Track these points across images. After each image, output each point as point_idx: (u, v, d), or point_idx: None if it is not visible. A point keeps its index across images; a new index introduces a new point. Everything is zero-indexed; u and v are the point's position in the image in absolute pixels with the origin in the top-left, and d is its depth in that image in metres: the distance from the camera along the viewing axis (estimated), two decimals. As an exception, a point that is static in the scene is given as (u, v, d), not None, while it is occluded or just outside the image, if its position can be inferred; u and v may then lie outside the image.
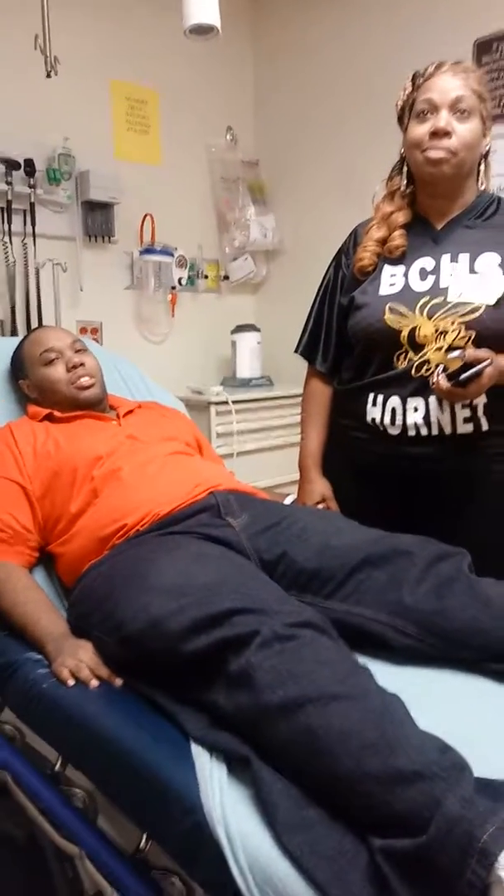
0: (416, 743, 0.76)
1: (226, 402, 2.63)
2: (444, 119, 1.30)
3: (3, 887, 1.43)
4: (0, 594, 1.26)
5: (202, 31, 1.65)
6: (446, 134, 1.30)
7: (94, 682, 1.05)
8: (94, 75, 2.67)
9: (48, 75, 2.22)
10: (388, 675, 0.92)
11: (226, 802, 0.79)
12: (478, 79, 1.34)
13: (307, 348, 1.60)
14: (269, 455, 2.75)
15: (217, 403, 2.62)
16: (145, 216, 2.82)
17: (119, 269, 2.83)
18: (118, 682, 1.06)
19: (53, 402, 1.54)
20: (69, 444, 1.41)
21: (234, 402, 2.64)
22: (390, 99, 1.43)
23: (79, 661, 1.08)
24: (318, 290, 1.58)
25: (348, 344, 1.50)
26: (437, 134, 1.30)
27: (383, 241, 1.42)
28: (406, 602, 1.08)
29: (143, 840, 0.89)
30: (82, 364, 1.55)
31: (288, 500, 1.64)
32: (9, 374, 1.69)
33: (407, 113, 1.37)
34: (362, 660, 0.94)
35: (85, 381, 1.53)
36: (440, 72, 1.33)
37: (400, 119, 1.40)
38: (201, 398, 2.63)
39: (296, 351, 1.63)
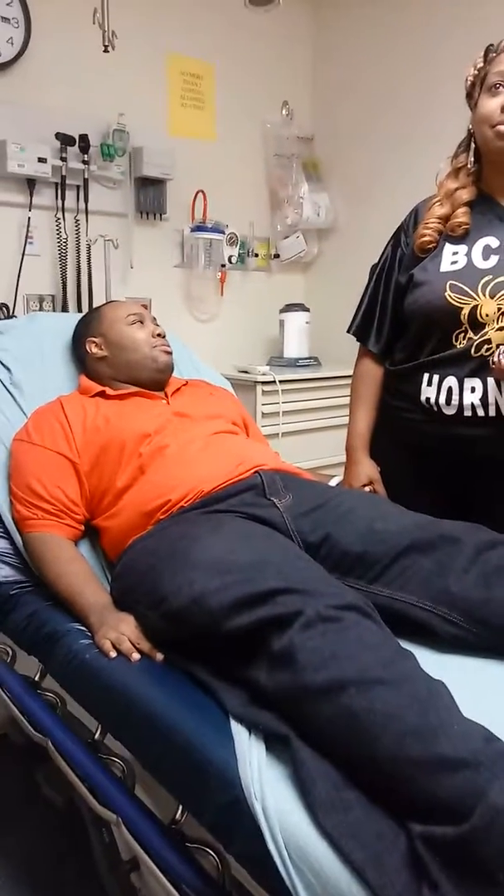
0: (461, 730, 0.74)
1: (272, 382, 2.61)
2: None
3: (43, 849, 1.48)
4: (46, 565, 1.29)
5: (262, 0, 1.61)
6: None
7: (136, 656, 1.06)
8: (151, 49, 2.65)
9: (105, 50, 2.21)
10: (432, 663, 0.91)
11: (264, 780, 0.79)
12: None
13: (360, 328, 1.58)
14: (315, 436, 2.73)
15: (264, 383, 2.61)
16: (197, 193, 2.80)
17: (169, 247, 2.82)
18: (159, 656, 1.06)
19: (123, 363, 1.57)
20: (118, 420, 1.43)
21: (280, 381, 2.62)
22: (454, 76, 1.39)
23: (120, 633, 1.09)
24: (374, 268, 1.55)
25: (403, 324, 1.48)
26: None
27: (446, 219, 1.39)
28: (452, 590, 1.06)
29: (180, 811, 0.90)
30: (164, 336, 1.62)
31: (333, 482, 1.63)
32: (64, 349, 1.70)
33: (477, 88, 1.33)
34: (406, 646, 0.92)
35: (168, 347, 1.60)
36: None
37: (469, 94, 1.37)
38: (248, 377, 2.61)
39: (348, 331, 1.61)
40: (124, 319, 1.59)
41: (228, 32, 2.84)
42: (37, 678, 1.24)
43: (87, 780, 1.01)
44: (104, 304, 1.72)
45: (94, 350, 1.60)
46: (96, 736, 1.07)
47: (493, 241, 1.35)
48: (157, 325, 1.63)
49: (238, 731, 0.87)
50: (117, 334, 1.58)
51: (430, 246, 1.41)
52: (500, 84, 1.28)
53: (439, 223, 1.40)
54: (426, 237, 1.41)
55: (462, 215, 1.37)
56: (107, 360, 1.58)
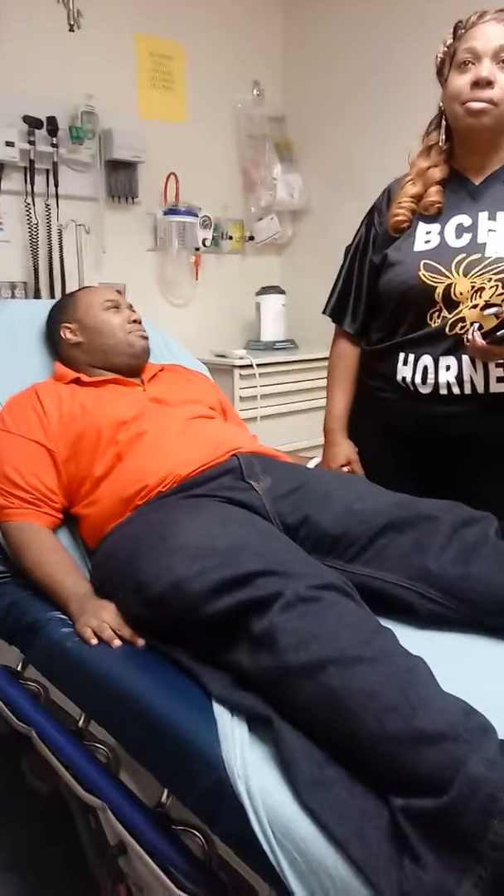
0: (440, 704, 0.75)
1: (250, 366, 2.61)
2: (486, 68, 1.26)
3: (30, 837, 1.48)
4: (25, 554, 1.28)
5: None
6: (489, 84, 1.25)
7: (117, 642, 1.06)
8: (118, 29, 2.60)
9: (71, 29, 2.17)
10: (412, 639, 0.91)
11: (247, 760, 0.80)
12: None
13: (335, 309, 1.58)
14: (294, 419, 2.73)
15: (241, 367, 2.60)
16: (169, 175, 2.77)
17: (142, 231, 2.79)
18: (140, 642, 1.06)
19: (99, 349, 1.55)
20: (95, 407, 1.41)
21: (258, 365, 2.61)
22: (425, 53, 1.38)
23: (101, 621, 1.09)
24: (348, 249, 1.55)
25: (378, 304, 1.48)
26: (478, 84, 1.26)
27: (419, 198, 1.39)
28: (430, 568, 1.07)
29: (165, 794, 0.91)
30: (140, 322, 1.61)
31: (312, 464, 1.63)
32: (37, 336, 1.68)
33: (447, 64, 1.33)
34: (386, 624, 0.93)
35: (144, 332, 1.59)
36: (483, 20, 1.29)
37: (439, 72, 1.36)
38: (225, 361, 2.61)
39: (324, 312, 1.60)
40: (100, 304, 1.58)
41: (197, 11, 2.80)
42: (19, 668, 1.24)
43: (72, 767, 1.01)
44: (79, 290, 1.70)
45: (69, 336, 1.58)
46: (80, 723, 1.07)
47: (465, 220, 1.35)
48: (133, 311, 1.62)
49: (221, 713, 0.88)
50: (93, 319, 1.57)
51: (404, 225, 1.41)
52: (469, 61, 1.28)
53: (412, 202, 1.39)
54: (399, 216, 1.40)
55: (434, 194, 1.37)
56: (82, 346, 1.57)
